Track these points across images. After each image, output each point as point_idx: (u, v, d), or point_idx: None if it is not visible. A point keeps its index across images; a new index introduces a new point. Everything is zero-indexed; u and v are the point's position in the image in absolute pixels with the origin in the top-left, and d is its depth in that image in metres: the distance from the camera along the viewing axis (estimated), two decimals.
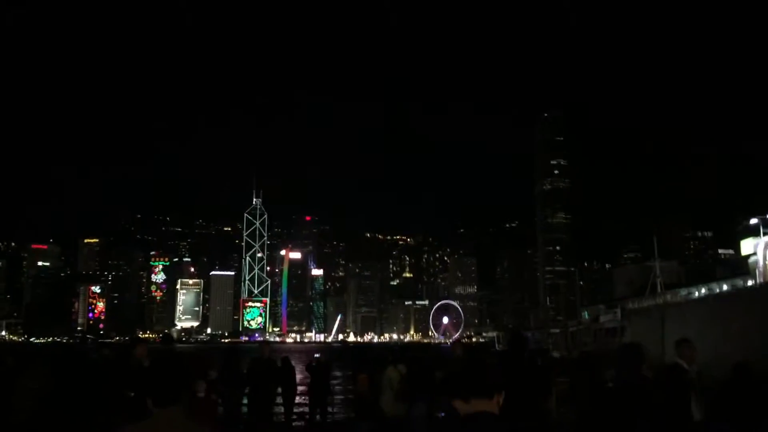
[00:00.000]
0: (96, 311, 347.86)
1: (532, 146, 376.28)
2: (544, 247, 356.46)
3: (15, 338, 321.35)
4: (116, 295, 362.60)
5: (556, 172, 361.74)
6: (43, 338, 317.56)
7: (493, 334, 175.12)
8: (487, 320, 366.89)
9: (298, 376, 18.60)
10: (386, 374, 12.46)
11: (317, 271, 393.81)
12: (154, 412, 4.00)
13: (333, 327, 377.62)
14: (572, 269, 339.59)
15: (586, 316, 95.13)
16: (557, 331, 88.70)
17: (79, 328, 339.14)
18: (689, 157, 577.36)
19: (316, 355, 19.09)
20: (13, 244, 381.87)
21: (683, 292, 58.53)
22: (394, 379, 12.15)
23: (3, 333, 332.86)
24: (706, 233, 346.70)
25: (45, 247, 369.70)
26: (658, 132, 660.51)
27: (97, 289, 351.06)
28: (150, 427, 3.95)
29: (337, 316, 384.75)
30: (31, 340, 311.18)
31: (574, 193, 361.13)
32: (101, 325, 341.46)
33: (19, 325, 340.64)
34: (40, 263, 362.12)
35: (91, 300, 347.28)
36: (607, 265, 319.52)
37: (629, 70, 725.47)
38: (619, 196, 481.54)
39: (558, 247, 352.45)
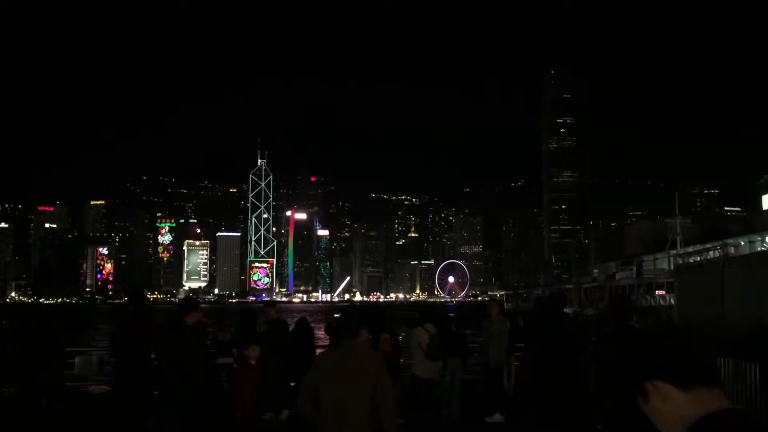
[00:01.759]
0: (104, 272, 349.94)
1: (538, 104, 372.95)
2: (550, 206, 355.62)
3: (24, 299, 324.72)
4: (124, 256, 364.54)
5: (562, 130, 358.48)
6: (53, 299, 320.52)
7: (500, 293, 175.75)
8: (493, 279, 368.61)
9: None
10: (414, 335, 12.00)
11: (323, 232, 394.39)
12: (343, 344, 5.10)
13: (339, 287, 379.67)
14: (578, 228, 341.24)
15: (596, 274, 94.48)
16: (570, 287, 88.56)
17: (87, 289, 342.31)
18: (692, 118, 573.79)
19: (336, 315, 18.27)
20: (20, 206, 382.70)
21: (697, 249, 57.44)
22: (423, 340, 11.65)
23: (12, 294, 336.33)
24: (712, 191, 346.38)
25: (52, 209, 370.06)
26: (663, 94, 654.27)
27: (104, 250, 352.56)
28: (345, 350, 4.93)
29: (343, 275, 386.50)
30: (41, 300, 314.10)
31: (580, 151, 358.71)
32: (110, 286, 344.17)
33: (29, 287, 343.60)
34: (47, 225, 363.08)
35: (98, 261, 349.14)
36: (612, 224, 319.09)
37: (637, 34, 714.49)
38: (625, 155, 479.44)
39: (564, 206, 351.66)
